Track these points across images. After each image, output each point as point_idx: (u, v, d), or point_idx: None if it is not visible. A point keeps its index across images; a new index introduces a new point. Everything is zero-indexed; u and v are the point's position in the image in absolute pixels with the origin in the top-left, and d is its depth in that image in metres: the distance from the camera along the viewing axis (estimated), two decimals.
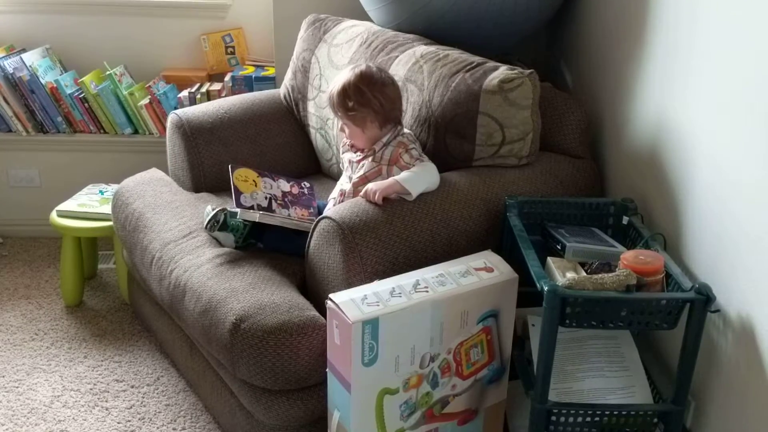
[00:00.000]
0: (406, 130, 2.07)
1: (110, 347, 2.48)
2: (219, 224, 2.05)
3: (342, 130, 2.11)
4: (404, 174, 1.92)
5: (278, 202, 2.10)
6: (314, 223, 1.90)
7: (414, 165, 1.96)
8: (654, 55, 1.89)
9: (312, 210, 2.15)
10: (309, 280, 1.94)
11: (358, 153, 2.10)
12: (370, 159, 2.05)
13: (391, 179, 1.91)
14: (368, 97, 2.01)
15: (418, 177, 1.91)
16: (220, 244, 2.09)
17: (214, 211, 2.07)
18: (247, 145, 2.49)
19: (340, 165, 2.35)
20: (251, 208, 2.02)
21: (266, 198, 2.09)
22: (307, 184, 2.26)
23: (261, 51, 3.20)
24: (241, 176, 2.12)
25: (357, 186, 2.06)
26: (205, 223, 2.09)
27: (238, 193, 2.06)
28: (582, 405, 1.62)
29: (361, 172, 2.06)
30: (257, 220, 2.00)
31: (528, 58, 2.63)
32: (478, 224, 1.91)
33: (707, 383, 1.62)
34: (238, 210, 2.00)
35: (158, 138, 3.04)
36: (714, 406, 1.61)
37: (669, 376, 1.75)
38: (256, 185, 2.12)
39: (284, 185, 2.19)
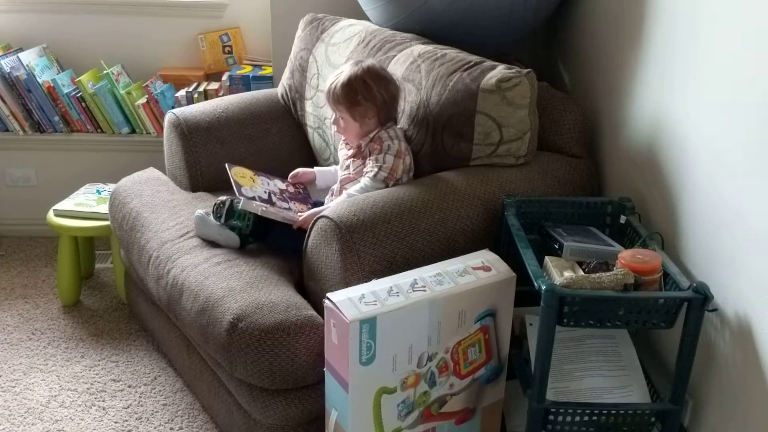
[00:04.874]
0: (396, 126, 2.08)
1: (107, 347, 2.47)
2: (225, 209, 2.03)
3: (336, 122, 2.10)
4: (339, 200, 1.94)
5: (277, 196, 2.12)
6: (311, 222, 1.90)
7: (367, 174, 1.98)
8: (652, 54, 1.89)
9: (309, 206, 2.15)
10: (306, 279, 1.94)
11: (351, 150, 2.10)
12: (358, 158, 2.06)
13: (314, 211, 1.95)
14: (374, 92, 2.03)
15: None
16: (218, 245, 2.08)
17: (219, 199, 2.04)
18: (244, 144, 2.48)
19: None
20: (253, 198, 2.02)
21: (266, 192, 2.10)
22: (302, 185, 2.27)
23: (258, 50, 3.19)
24: (239, 173, 2.14)
25: (344, 184, 2.08)
26: (212, 212, 2.05)
27: (239, 186, 2.06)
28: (579, 404, 1.62)
29: (347, 172, 2.08)
30: (259, 213, 1.99)
31: (526, 57, 2.62)
32: (475, 223, 1.91)
33: (705, 382, 1.62)
34: (241, 199, 1.99)
35: (155, 137, 3.04)
36: (711, 406, 1.61)
37: (666, 375, 1.74)
38: (254, 182, 2.13)
39: (280, 184, 2.20)
